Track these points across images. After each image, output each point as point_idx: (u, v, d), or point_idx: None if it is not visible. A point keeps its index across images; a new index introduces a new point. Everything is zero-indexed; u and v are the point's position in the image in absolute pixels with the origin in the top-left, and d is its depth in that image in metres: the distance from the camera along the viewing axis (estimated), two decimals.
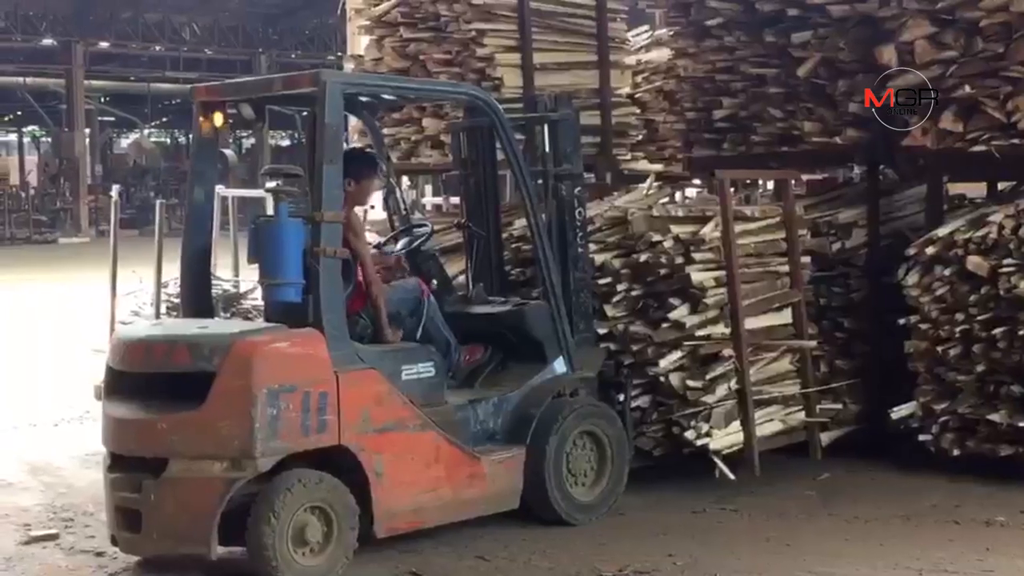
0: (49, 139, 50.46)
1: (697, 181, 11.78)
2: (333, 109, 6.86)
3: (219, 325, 7.06)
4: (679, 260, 8.25)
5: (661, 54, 12.11)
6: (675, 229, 8.32)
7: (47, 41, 42.00)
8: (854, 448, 9.01)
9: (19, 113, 50.67)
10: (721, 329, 8.33)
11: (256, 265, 7.06)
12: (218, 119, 7.36)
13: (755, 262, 8.68)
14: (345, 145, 7.31)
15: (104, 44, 43.26)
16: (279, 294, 6.91)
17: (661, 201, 9.19)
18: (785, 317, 8.78)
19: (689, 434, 8.14)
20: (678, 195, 10.79)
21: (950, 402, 8.35)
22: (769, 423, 8.57)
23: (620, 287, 8.42)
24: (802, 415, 8.74)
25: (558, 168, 8.09)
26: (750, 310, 8.49)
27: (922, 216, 9.25)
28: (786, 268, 8.79)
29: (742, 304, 8.32)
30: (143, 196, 44.03)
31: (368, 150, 8.28)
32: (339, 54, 39.19)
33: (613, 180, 10.70)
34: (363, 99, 7.87)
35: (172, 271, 9.68)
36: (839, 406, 8.97)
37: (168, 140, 58.33)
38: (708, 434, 8.14)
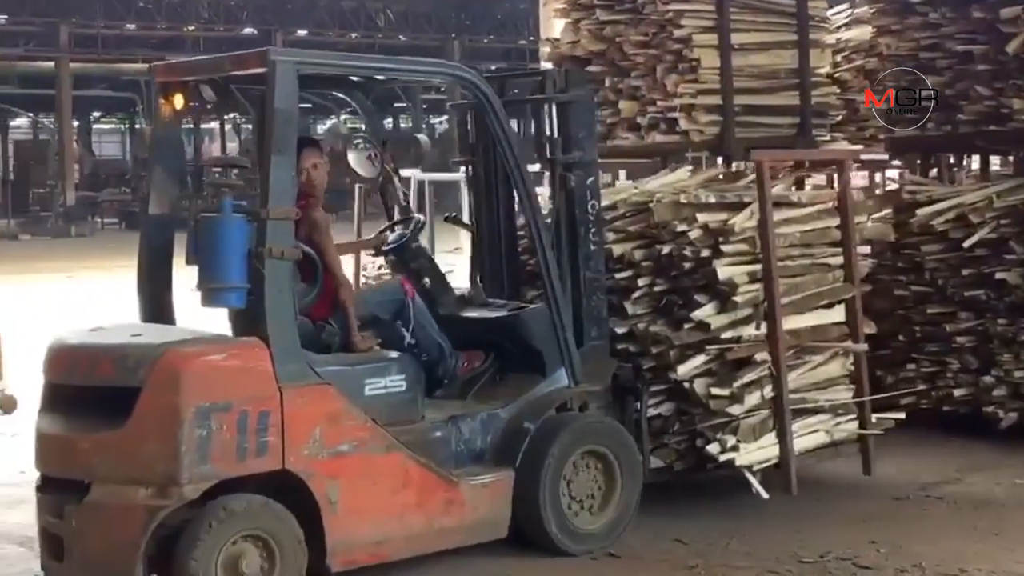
0: (250, 126, 52.02)
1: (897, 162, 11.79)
2: (284, 92, 6.07)
3: (155, 334, 6.33)
4: (705, 253, 7.31)
5: (862, 32, 11.83)
6: (702, 217, 7.37)
7: (248, 30, 43.40)
8: None
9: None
10: (754, 330, 7.38)
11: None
12: (179, 101, 6.63)
13: (800, 253, 7.70)
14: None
15: (302, 32, 44.37)
16: (220, 300, 6.16)
17: (694, 185, 8.19)
18: (837, 315, 7.80)
19: (712, 448, 7.25)
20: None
21: None
22: (811, 435, 7.62)
23: (642, 282, 7.50)
24: (854, 426, 7.78)
25: (567, 156, 7.18)
26: (791, 308, 7.53)
27: None
28: (839, 260, 7.80)
29: (780, 302, 7.37)
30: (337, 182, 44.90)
31: (360, 136, 7.39)
32: (531, 38, 39.42)
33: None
34: (353, 80, 7.20)
35: None
36: None
37: (363, 126, 60.44)
38: (734, 448, 7.23)
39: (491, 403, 6.90)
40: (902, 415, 8.18)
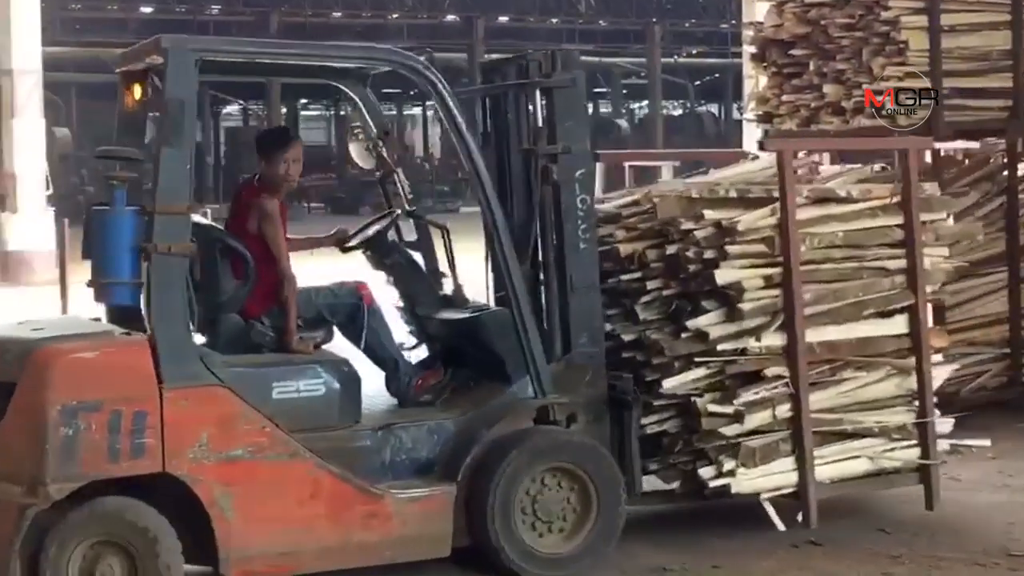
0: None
1: None
2: (178, 81, 5.83)
3: (56, 328, 6.20)
4: (710, 254, 6.54)
5: None
6: (711, 214, 6.58)
7: (450, 17, 43.86)
8: None
9: None
10: (765, 341, 6.56)
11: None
12: (137, 91, 6.49)
13: (845, 255, 6.79)
14: None
15: (503, 18, 44.62)
16: (110, 296, 5.99)
17: (724, 179, 7.36)
18: (895, 326, 6.84)
19: (706, 471, 6.49)
20: None
21: None
22: (850, 461, 6.71)
23: (651, 285, 6.78)
24: (913, 453, 6.80)
25: (551, 146, 6.56)
26: (826, 318, 6.66)
27: None
28: (899, 263, 6.84)
29: (802, 311, 6.52)
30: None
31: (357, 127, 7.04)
32: (733, 22, 38.27)
33: None
34: (349, 68, 6.93)
35: None
36: None
37: None
38: (731, 473, 6.44)
39: (443, 412, 6.44)
40: (986, 441, 7.13)
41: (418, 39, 43.63)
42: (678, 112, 53.40)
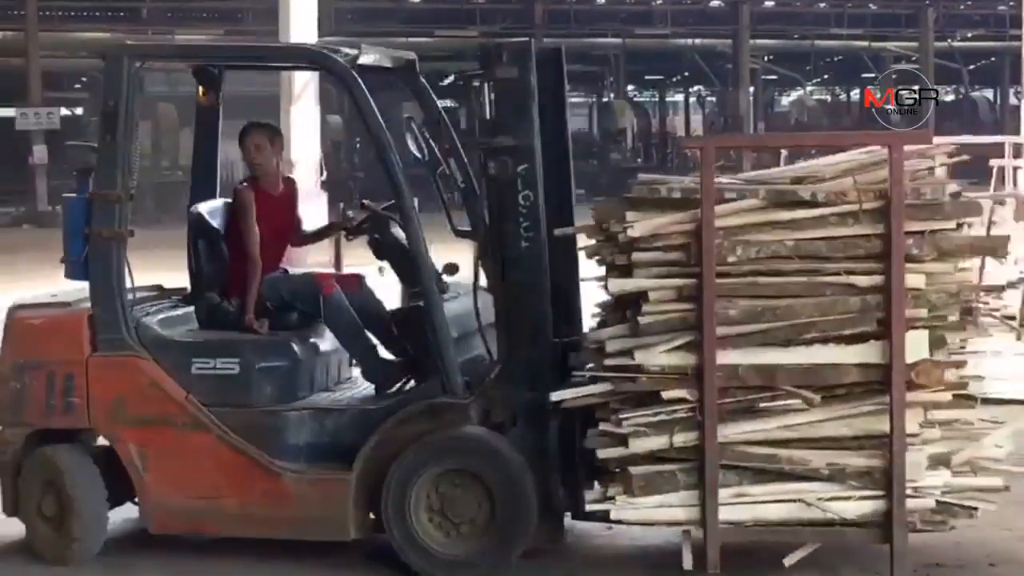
0: (713, 98, 51.63)
1: None
2: (113, 82, 6.54)
3: (64, 296, 7.06)
4: (622, 260, 5.97)
5: None
6: (631, 217, 5.98)
7: (715, 3, 44.05)
8: None
9: (686, 74, 50.92)
10: (677, 360, 5.88)
11: None
12: (203, 88, 7.24)
13: (798, 268, 5.85)
14: None
15: (769, 3, 44.47)
16: (69, 272, 6.79)
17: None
18: (863, 354, 5.80)
19: (590, 493, 6.01)
20: None
21: None
22: (788, 504, 5.85)
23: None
24: (874, 505, 5.77)
25: (492, 139, 6.30)
26: (763, 338, 5.84)
27: None
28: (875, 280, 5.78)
29: (715, 328, 5.79)
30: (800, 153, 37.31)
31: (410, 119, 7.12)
32: (1011, 3, 34.41)
33: None
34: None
35: None
36: None
37: (829, 98, 57.29)
38: (611, 499, 5.91)
39: (366, 403, 6.59)
40: (974, 507, 5.82)
41: (683, 25, 43.85)
42: (950, 97, 50.41)
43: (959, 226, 5.87)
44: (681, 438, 5.87)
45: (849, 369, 5.82)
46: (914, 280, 5.76)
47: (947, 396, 5.86)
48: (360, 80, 6.37)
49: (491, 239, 6.42)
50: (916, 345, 5.75)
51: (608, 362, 5.95)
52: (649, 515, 5.94)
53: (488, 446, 6.25)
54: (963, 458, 6.04)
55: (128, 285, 6.61)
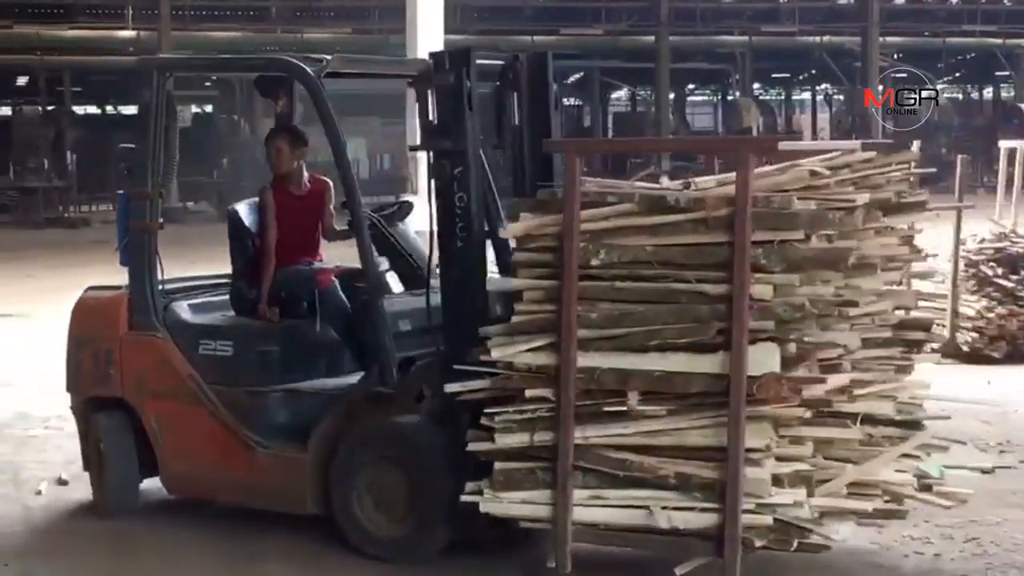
0: (841, 97, 50.67)
1: None
2: (144, 90, 7.38)
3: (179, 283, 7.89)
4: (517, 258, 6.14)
5: None
6: (523, 219, 6.08)
7: (843, 0, 43.70)
8: None
9: (813, 72, 50.04)
10: (542, 360, 5.97)
11: None
12: (277, 94, 7.93)
13: (657, 274, 5.79)
14: None
15: (900, 0, 44.43)
16: (120, 260, 7.61)
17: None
18: (711, 363, 5.67)
19: (469, 486, 6.18)
20: None
21: None
22: (631, 510, 5.82)
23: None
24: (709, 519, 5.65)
25: (434, 142, 6.60)
26: (616, 342, 5.84)
27: None
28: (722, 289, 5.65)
29: (574, 330, 5.86)
30: (931, 153, 33.14)
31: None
32: None
33: None
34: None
35: None
36: None
37: (961, 96, 55.54)
38: (481, 492, 6.09)
39: (329, 388, 7.07)
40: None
41: (810, 22, 42.78)
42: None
43: (808, 237, 5.62)
44: (541, 437, 5.98)
45: (698, 378, 5.72)
46: (760, 291, 5.59)
47: (799, 412, 5.63)
48: (321, 86, 6.83)
49: (434, 238, 6.75)
50: (764, 358, 5.58)
51: (485, 358, 6.14)
52: (513, 510, 6.06)
53: (404, 435, 6.59)
54: (847, 479, 5.79)
55: (159, 274, 7.43)
